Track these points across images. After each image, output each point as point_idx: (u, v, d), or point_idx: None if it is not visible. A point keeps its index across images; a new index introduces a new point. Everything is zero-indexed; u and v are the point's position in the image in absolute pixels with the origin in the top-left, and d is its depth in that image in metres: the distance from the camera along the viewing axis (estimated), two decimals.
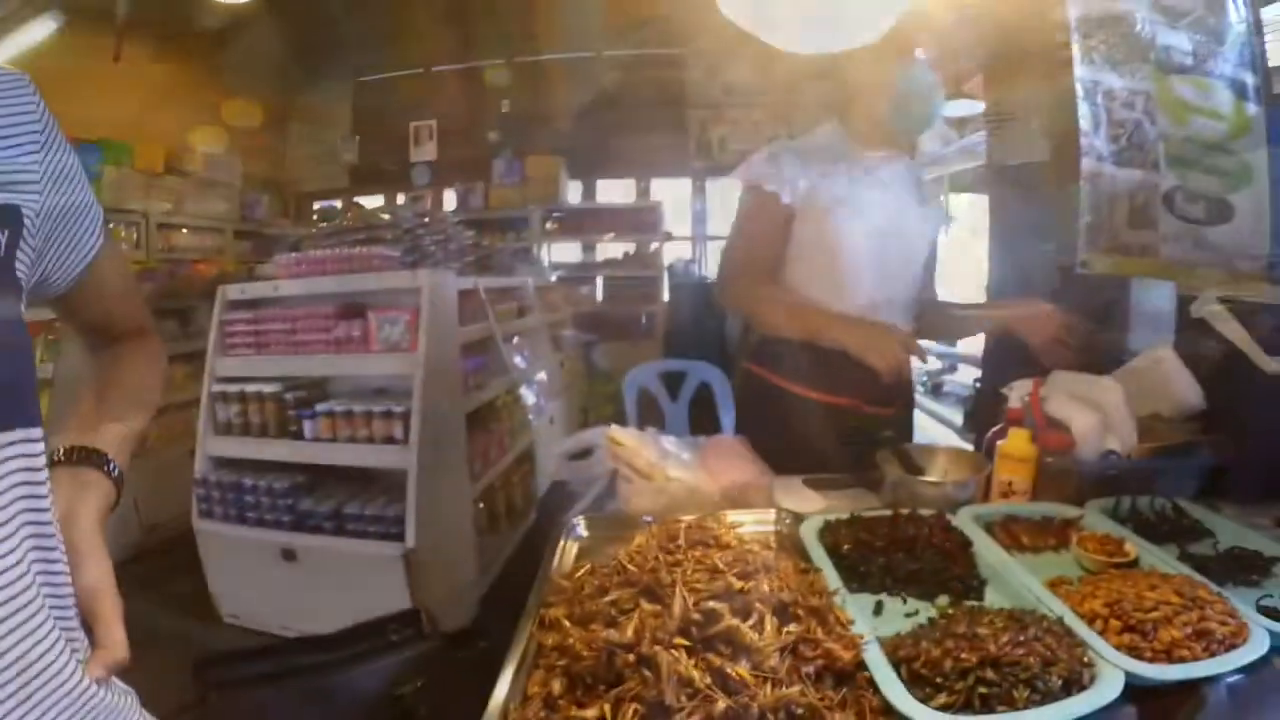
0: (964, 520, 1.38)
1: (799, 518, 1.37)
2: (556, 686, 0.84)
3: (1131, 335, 2.32)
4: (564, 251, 7.47)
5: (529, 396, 4.19)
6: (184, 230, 6.03)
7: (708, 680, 0.79)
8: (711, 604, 0.85)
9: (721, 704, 0.77)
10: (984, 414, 2.47)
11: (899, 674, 0.91)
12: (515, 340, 4.31)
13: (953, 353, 6.92)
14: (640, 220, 7.11)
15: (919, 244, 1.93)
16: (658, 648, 0.81)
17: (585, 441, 1.58)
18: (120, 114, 5.54)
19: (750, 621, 0.86)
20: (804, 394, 1.85)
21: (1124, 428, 1.67)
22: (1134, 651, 0.96)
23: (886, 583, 1.20)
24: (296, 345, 3.12)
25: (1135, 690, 0.90)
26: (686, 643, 0.83)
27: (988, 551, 1.27)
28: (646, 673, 0.80)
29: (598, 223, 7.23)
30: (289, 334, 3.13)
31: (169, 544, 3.80)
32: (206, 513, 3.11)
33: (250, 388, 3.12)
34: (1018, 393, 1.78)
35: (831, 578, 1.13)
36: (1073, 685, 0.89)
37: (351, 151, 8.32)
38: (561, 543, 1.30)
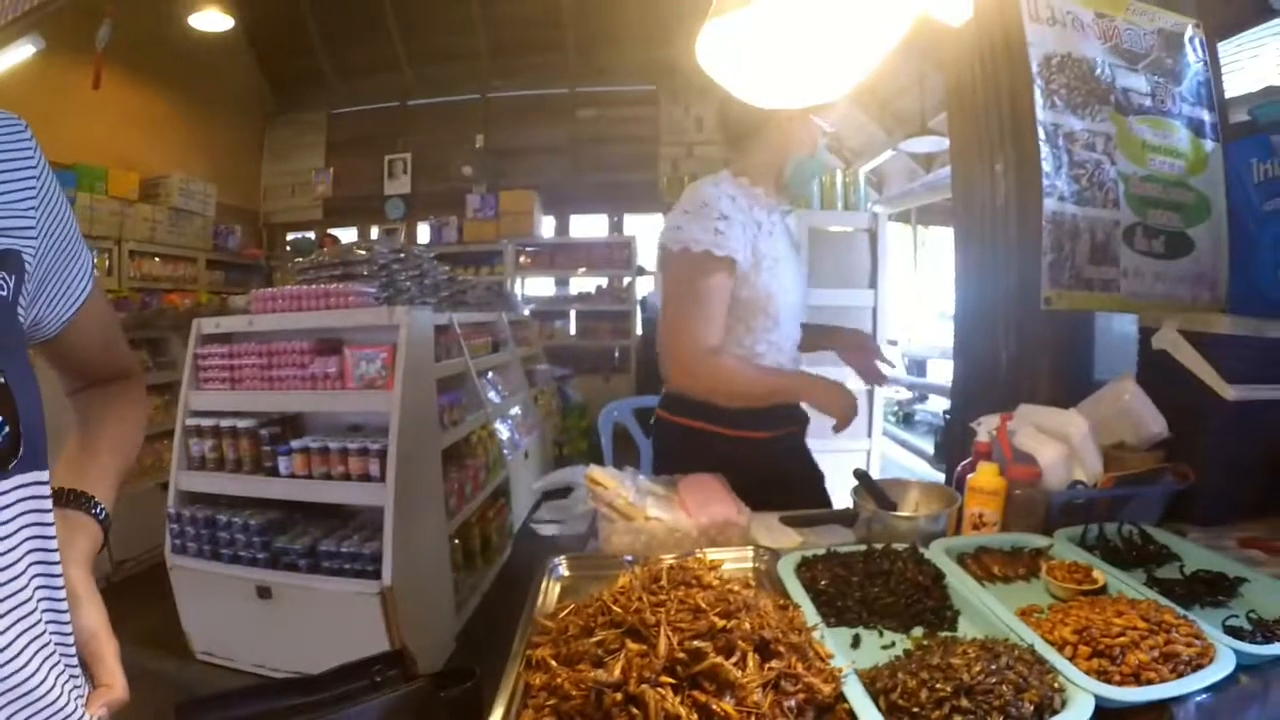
0: (936, 553, 1.40)
1: (776, 554, 1.39)
2: None
3: (1098, 366, 2.37)
4: (537, 285, 7.51)
5: (504, 431, 4.19)
6: (156, 259, 6.00)
7: (694, 717, 0.82)
8: (696, 643, 0.88)
9: None
10: (953, 446, 2.52)
11: (878, 705, 0.94)
12: (490, 375, 4.32)
13: (923, 383, 7.05)
14: (612, 255, 7.20)
15: (804, 283, 2.05)
16: (645, 686, 0.83)
17: (561, 480, 1.60)
18: (96, 140, 5.57)
19: (733, 659, 0.89)
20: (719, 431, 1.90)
21: (1090, 458, 1.72)
22: (1103, 676, 0.99)
23: (863, 616, 1.23)
24: (271, 380, 3.09)
25: (1105, 713, 0.93)
26: (672, 681, 0.86)
27: (960, 583, 1.29)
28: (635, 711, 0.82)
29: (571, 256, 7.29)
30: (264, 369, 3.10)
31: (139, 579, 3.74)
32: (180, 548, 3.04)
33: (224, 422, 3.09)
34: (985, 427, 1.85)
35: (809, 613, 1.15)
36: (1044, 710, 0.91)
37: (325, 184, 8.36)
38: (544, 582, 1.31)
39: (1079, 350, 2.37)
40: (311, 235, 7.96)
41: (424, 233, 7.79)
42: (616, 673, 0.85)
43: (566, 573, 1.36)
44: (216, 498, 3.11)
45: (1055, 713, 0.91)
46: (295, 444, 2.98)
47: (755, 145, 1.91)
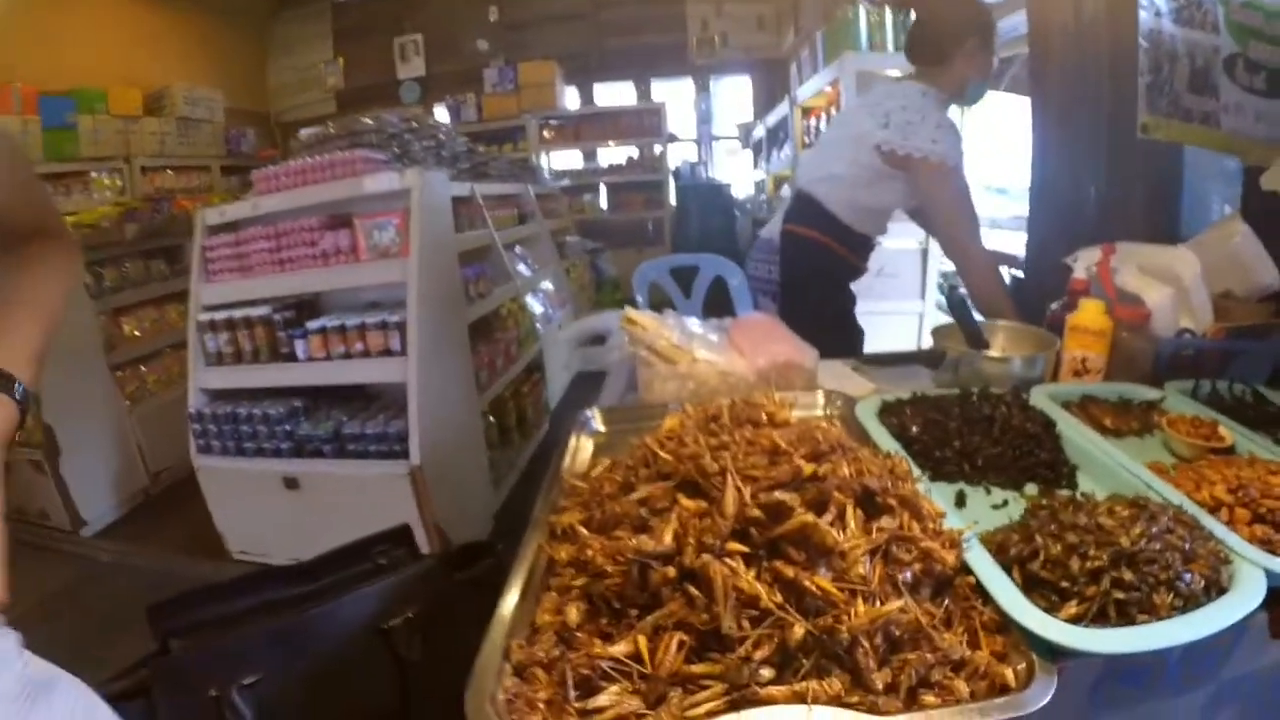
0: (1040, 400, 1.21)
1: (851, 400, 1.16)
2: (573, 613, 0.63)
3: (1186, 215, 2.12)
4: (565, 159, 7.13)
5: (535, 305, 3.96)
6: (169, 171, 5.79)
7: (777, 598, 0.58)
8: (776, 494, 0.63)
9: (799, 629, 0.56)
10: (1030, 290, 2.24)
11: (1012, 579, 0.73)
12: (517, 248, 4.06)
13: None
14: (642, 123, 6.78)
15: None
16: (706, 556, 0.59)
17: (594, 327, 1.36)
18: (94, 61, 5.38)
19: (828, 517, 0.64)
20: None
21: (1200, 303, 1.55)
22: (1268, 546, 0.83)
23: (965, 470, 1.04)
24: (282, 264, 2.88)
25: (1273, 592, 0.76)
26: (745, 549, 0.62)
27: (1075, 433, 1.11)
28: (693, 590, 0.58)
29: (597, 128, 6.87)
30: (273, 252, 2.88)
31: (176, 487, 3.68)
32: (205, 448, 2.92)
33: (238, 313, 2.89)
34: (1084, 263, 1.65)
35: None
36: (1211, 588, 0.74)
37: (335, 75, 8.04)
38: (574, 440, 1.09)
39: (1171, 192, 2.12)
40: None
41: (442, 115, 7.41)
42: (667, 539, 0.62)
43: (601, 428, 1.14)
44: (238, 393, 2.96)
45: (1222, 591, 0.74)
46: (311, 325, 2.78)
47: (944, 70, 2.05)
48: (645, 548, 0.61)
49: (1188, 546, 0.76)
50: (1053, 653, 0.64)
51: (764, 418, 0.79)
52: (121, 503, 3.61)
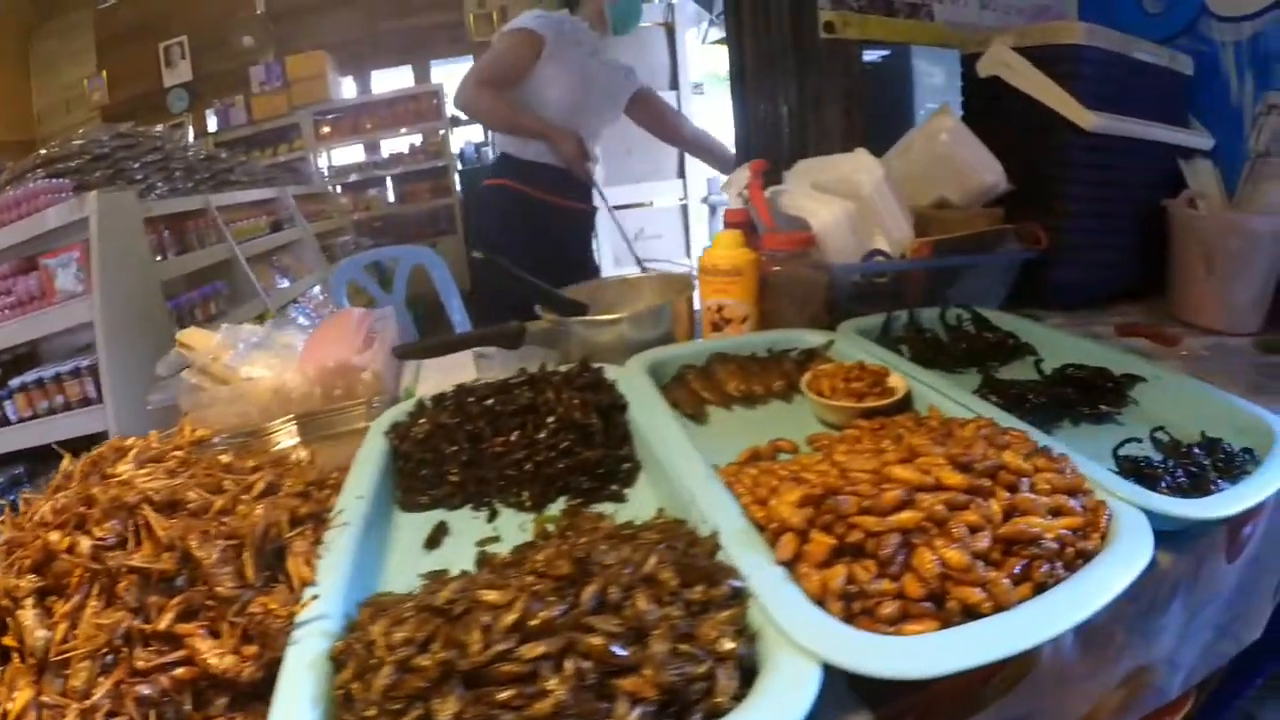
0: (634, 371, 0.99)
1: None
2: None
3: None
4: (347, 154, 6.76)
5: (299, 318, 3.73)
6: None
7: None
8: None
9: None
10: None
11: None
12: (275, 259, 3.82)
13: None
14: (421, 108, 6.46)
15: (617, 99, 2.36)
16: None
17: (176, 362, 1.22)
18: None
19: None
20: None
21: (891, 216, 1.30)
22: (850, 610, 0.54)
23: (467, 488, 0.82)
24: None
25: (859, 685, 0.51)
26: None
27: (647, 417, 0.87)
28: None
29: (376, 117, 6.53)
30: None
31: None
32: None
33: None
34: (734, 188, 1.38)
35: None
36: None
37: (100, 89, 7.34)
38: None
39: (892, 99, 1.90)
40: None
41: (213, 121, 6.90)
42: None
43: None
44: None
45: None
46: (14, 383, 2.51)
47: (580, 7, 2.21)
48: None
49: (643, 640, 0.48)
50: None
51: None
52: None
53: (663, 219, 3.16)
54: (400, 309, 2.65)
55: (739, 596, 0.53)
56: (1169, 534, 0.64)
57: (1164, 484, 0.73)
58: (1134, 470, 0.75)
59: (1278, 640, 0.91)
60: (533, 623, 0.48)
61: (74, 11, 7.25)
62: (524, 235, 2.17)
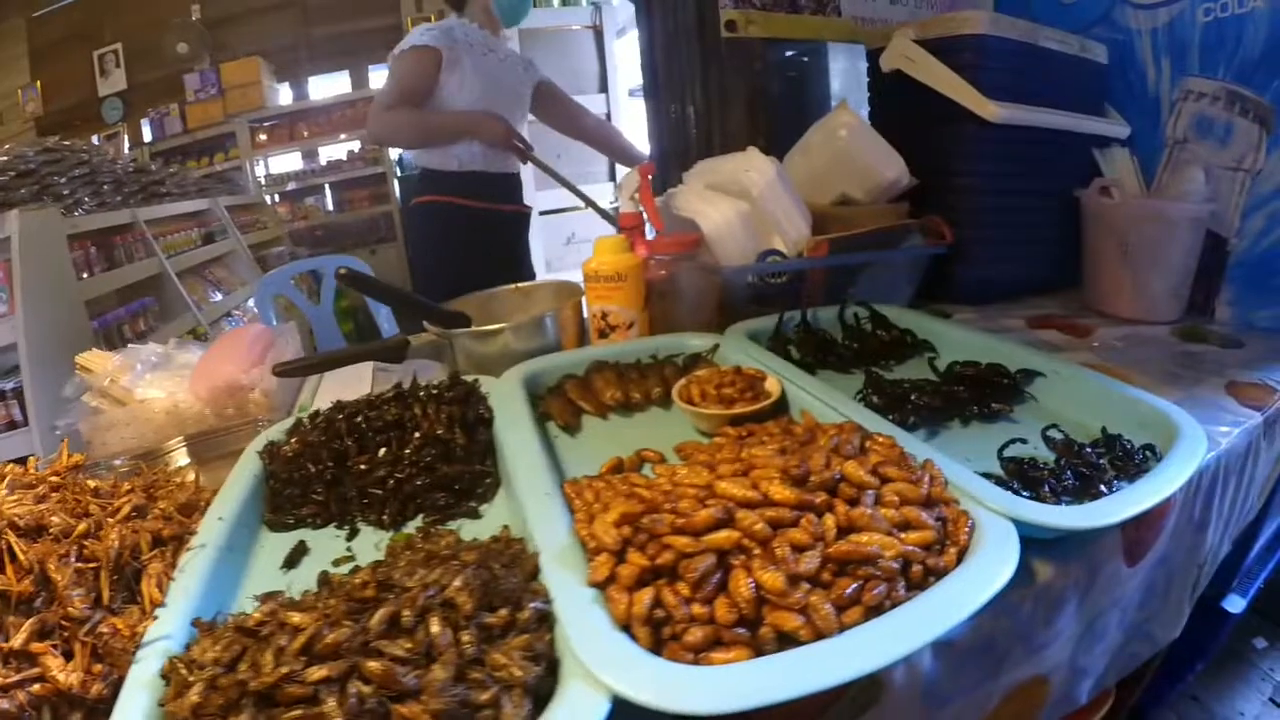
0: (509, 384, 0.97)
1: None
2: None
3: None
4: (284, 162, 6.63)
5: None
6: None
7: None
8: None
9: None
10: None
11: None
12: (208, 272, 3.75)
13: None
14: (359, 114, 6.33)
15: (522, 93, 2.33)
16: None
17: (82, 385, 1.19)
18: None
19: None
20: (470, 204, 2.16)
21: (785, 216, 1.29)
22: (659, 636, 0.51)
23: (330, 508, 0.80)
24: None
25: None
26: None
27: (511, 430, 0.86)
28: None
29: (314, 124, 6.42)
30: None
31: None
32: None
33: None
34: (627, 190, 1.38)
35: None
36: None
37: (35, 100, 7.11)
38: None
39: (805, 97, 1.88)
40: None
41: (148, 130, 6.74)
42: None
43: None
44: None
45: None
46: None
47: (466, 7, 2.21)
48: None
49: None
50: None
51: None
52: None
53: (595, 222, 3.17)
54: (328, 320, 2.63)
55: (544, 621, 0.53)
56: (1054, 541, 0.62)
57: (1047, 487, 0.70)
58: (1018, 473, 0.73)
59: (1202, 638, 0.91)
60: (319, 646, 0.49)
61: (6, 21, 7.02)
62: (461, 248, 2.15)
